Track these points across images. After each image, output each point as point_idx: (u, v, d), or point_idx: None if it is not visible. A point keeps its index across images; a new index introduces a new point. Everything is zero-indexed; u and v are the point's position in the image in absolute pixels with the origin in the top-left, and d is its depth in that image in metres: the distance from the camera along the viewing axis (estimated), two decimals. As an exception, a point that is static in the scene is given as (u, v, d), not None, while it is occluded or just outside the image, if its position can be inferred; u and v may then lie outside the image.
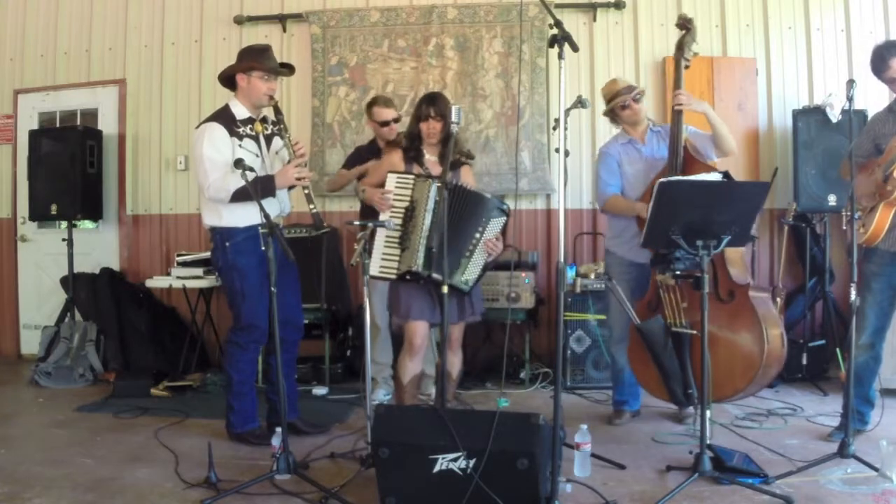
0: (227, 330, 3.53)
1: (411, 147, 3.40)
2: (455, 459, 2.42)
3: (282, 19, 5.43)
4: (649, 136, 3.65)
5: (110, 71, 5.67)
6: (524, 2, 5.12)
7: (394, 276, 3.21)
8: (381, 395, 4.31)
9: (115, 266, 5.60)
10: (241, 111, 3.38)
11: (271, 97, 3.37)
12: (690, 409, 3.67)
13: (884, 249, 3.31)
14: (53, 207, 5.28)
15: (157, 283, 5.01)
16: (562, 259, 2.52)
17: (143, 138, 5.65)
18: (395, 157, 3.43)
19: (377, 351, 4.27)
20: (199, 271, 4.84)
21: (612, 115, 3.72)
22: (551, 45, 2.55)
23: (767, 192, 3.06)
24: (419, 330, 3.28)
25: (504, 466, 2.38)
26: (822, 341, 4.69)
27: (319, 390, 4.55)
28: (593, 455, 3.01)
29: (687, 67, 3.49)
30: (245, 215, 3.26)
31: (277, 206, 3.40)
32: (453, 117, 2.91)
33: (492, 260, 3.32)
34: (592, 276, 4.55)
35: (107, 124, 5.68)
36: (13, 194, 5.78)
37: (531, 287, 4.56)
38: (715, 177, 3.12)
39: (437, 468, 2.44)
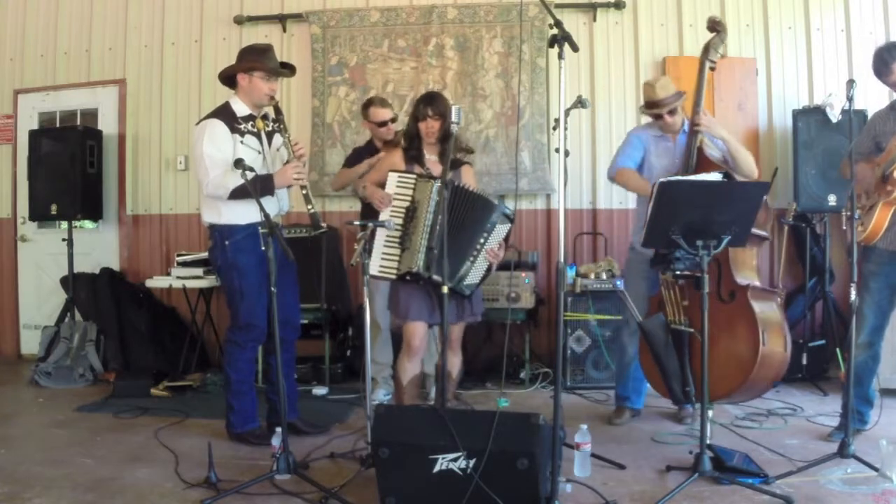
0: (226, 329, 3.53)
1: (411, 147, 3.40)
2: (455, 459, 2.42)
3: (282, 19, 5.43)
4: (680, 137, 3.62)
5: (110, 71, 5.67)
6: (524, 2, 5.12)
7: (394, 276, 3.21)
8: (381, 395, 4.31)
9: (115, 266, 5.60)
10: (241, 108, 3.38)
11: (272, 97, 3.37)
12: (690, 409, 3.67)
13: (882, 248, 3.31)
14: (53, 207, 5.28)
15: (157, 283, 5.01)
16: (562, 259, 2.52)
17: (143, 138, 5.65)
18: (396, 157, 3.43)
19: (377, 351, 4.27)
20: (198, 271, 4.84)
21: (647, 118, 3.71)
22: (551, 45, 2.55)
23: (767, 192, 3.06)
24: (417, 331, 3.28)
25: (504, 466, 2.38)
26: (822, 341, 4.69)
27: (319, 390, 4.55)
28: (593, 455, 3.01)
29: (712, 69, 3.48)
30: (245, 213, 3.26)
31: (276, 205, 3.40)
32: (453, 117, 2.90)
33: (494, 266, 3.33)
34: (592, 276, 4.54)
35: (107, 124, 5.68)
36: (13, 194, 5.78)
37: (531, 287, 4.56)
38: (715, 177, 3.12)
39: (437, 468, 2.44)
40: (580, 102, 2.86)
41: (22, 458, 3.26)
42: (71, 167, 5.26)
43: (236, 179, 3.09)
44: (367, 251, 3.15)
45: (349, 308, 5.00)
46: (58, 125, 5.72)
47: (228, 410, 3.45)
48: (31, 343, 5.61)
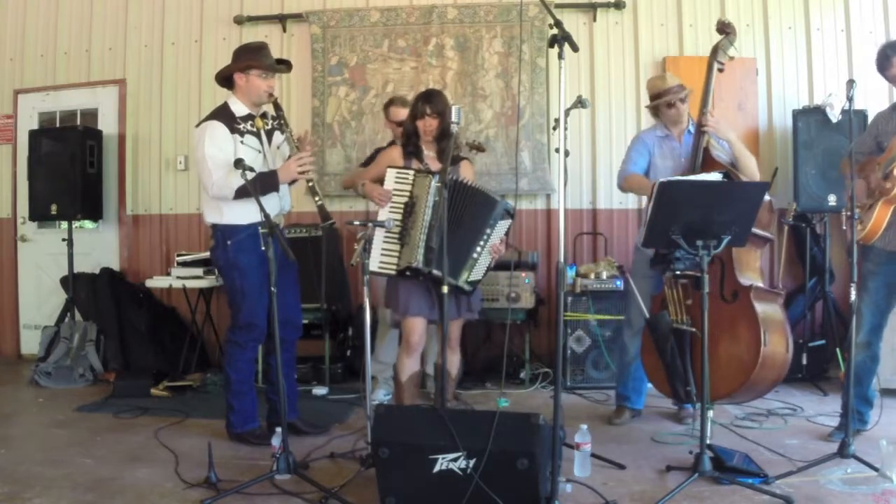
0: (226, 329, 3.53)
1: (409, 143, 3.41)
2: (455, 459, 2.42)
3: (282, 19, 5.43)
4: (686, 137, 3.64)
5: (110, 71, 5.67)
6: (524, 2, 5.11)
7: (393, 272, 3.21)
8: (380, 395, 4.31)
9: (115, 266, 5.60)
10: (240, 108, 3.38)
11: (271, 94, 3.37)
12: (690, 409, 3.67)
13: (880, 248, 3.32)
14: (53, 207, 5.28)
15: (157, 283, 5.00)
16: (562, 259, 2.52)
17: (143, 138, 5.65)
18: (395, 153, 3.44)
19: (383, 350, 4.27)
20: (199, 271, 4.84)
21: (655, 110, 3.70)
22: (551, 45, 2.55)
23: (767, 192, 3.06)
24: (416, 327, 3.28)
25: (504, 466, 2.38)
26: (822, 341, 4.69)
27: (319, 390, 4.55)
28: (593, 455, 3.01)
29: (721, 71, 3.48)
30: (246, 213, 3.25)
31: (278, 204, 3.40)
32: (453, 117, 2.90)
33: (494, 262, 3.34)
34: (592, 276, 4.54)
35: (107, 124, 5.68)
36: (13, 194, 5.78)
37: (531, 287, 4.56)
38: (715, 176, 3.12)
39: (437, 468, 2.43)
40: (580, 102, 2.86)
41: (22, 458, 3.26)
42: (71, 167, 5.26)
43: (240, 179, 3.09)
44: (367, 251, 3.15)
45: (349, 308, 5.00)
46: (58, 125, 5.71)
47: (228, 410, 3.45)
48: (31, 343, 5.61)
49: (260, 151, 3.37)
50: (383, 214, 3.23)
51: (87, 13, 5.69)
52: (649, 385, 3.61)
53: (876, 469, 2.83)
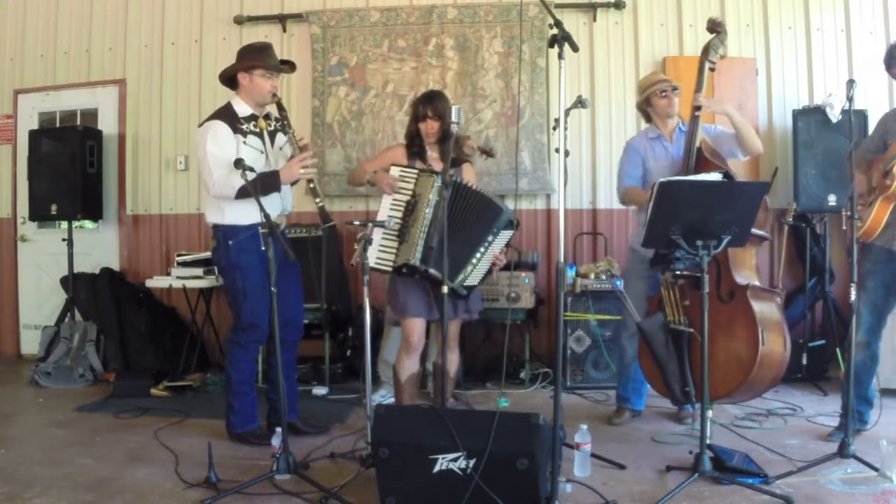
0: (227, 330, 3.53)
1: (413, 144, 3.41)
2: (455, 459, 2.42)
3: (282, 19, 5.43)
4: (677, 135, 3.64)
5: (110, 71, 5.67)
6: (524, 2, 5.12)
7: (390, 268, 3.20)
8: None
9: (115, 266, 5.60)
10: (243, 109, 3.38)
11: (274, 94, 3.37)
12: (690, 409, 3.67)
13: (879, 246, 3.32)
14: (53, 207, 5.28)
15: (157, 283, 5.00)
16: (562, 259, 2.52)
17: (143, 138, 5.65)
18: (398, 152, 3.44)
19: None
20: (199, 271, 4.84)
21: (646, 104, 3.69)
22: (551, 45, 2.55)
23: (767, 192, 3.06)
24: (416, 327, 3.29)
25: (504, 466, 2.38)
26: (822, 341, 4.69)
27: (319, 390, 4.55)
28: (593, 455, 3.01)
29: (712, 70, 3.47)
30: (248, 213, 3.24)
31: (279, 205, 3.40)
32: (453, 117, 2.90)
33: (495, 270, 3.35)
34: (592, 276, 4.54)
35: (107, 124, 5.68)
36: (13, 194, 5.78)
37: (531, 287, 4.56)
38: (715, 177, 3.11)
39: (437, 468, 2.44)
40: (580, 102, 2.87)
41: (22, 458, 3.26)
42: (71, 167, 5.26)
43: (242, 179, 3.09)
44: (367, 251, 3.14)
45: (349, 308, 5.00)
46: (58, 125, 5.71)
47: (228, 410, 3.45)
48: (31, 343, 5.61)
49: (262, 152, 3.37)
50: (383, 214, 3.23)
51: (87, 13, 5.69)
52: (649, 386, 3.61)
53: (876, 469, 2.83)
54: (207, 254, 4.51)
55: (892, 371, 4.14)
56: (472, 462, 2.41)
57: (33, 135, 5.45)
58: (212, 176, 3.24)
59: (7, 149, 5.83)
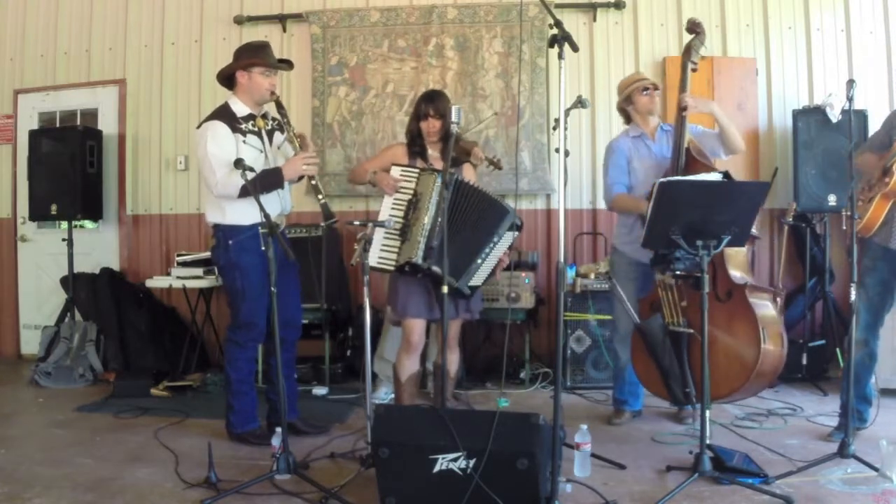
0: (226, 328, 3.53)
1: (414, 143, 3.41)
2: (455, 459, 2.42)
3: (282, 19, 5.43)
4: (659, 134, 3.65)
5: (110, 71, 5.67)
6: (524, 2, 5.12)
7: (392, 267, 3.20)
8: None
9: (115, 266, 5.60)
10: (240, 108, 3.38)
11: (273, 92, 3.37)
12: (690, 409, 3.67)
13: (877, 244, 3.33)
14: (53, 207, 5.28)
15: (157, 283, 5.01)
16: (562, 259, 2.52)
17: (143, 138, 5.65)
18: (399, 151, 3.44)
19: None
20: (199, 271, 4.84)
21: (627, 103, 3.69)
22: (551, 45, 2.55)
23: (767, 192, 3.06)
24: (416, 327, 3.29)
25: (504, 466, 2.38)
26: (822, 341, 4.69)
27: (319, 390, 4.55)
28: (593, 455, 3.01)
29: (694, 70, 3.47)
30: (249, 213, 3.24)
31: (279, 205, 3.40)
32: (453, 117, 2.90)
33: (498, 271, 3.35)
34: (592, 276, 4.54)
35: (107, 124, 5.68)
36: (13, 194, 5.78)
37: (531, 287, 4.56)
38: (715, 177, 3.12)
39: (437, 468, 2.44)
40: (580, 102, 2.86)
41: (22, 458, 3.26)
42: (71, 167, 5.26)
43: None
44: (367, 251, 3.14)
45: (349, 308, 5.00)
46: (58, 125, 5.71)
47: (228, 410, 3.45)
48: (31, 343, 5.61)
49: (262, 151, 3.37)
50: (384, 214, 3.23)
51: (87, 13, 5.69)
52: (645, 387, 3.61)
53: (876, 469, 2.83)
54: (207, 254, 4.51)
55: (892, 371, 4.14)
56: (472, 462, 2.41)
57: (33, 135, 5.45)
58: (214, 176, 3.24)
59: (7, 149, 5.83)
